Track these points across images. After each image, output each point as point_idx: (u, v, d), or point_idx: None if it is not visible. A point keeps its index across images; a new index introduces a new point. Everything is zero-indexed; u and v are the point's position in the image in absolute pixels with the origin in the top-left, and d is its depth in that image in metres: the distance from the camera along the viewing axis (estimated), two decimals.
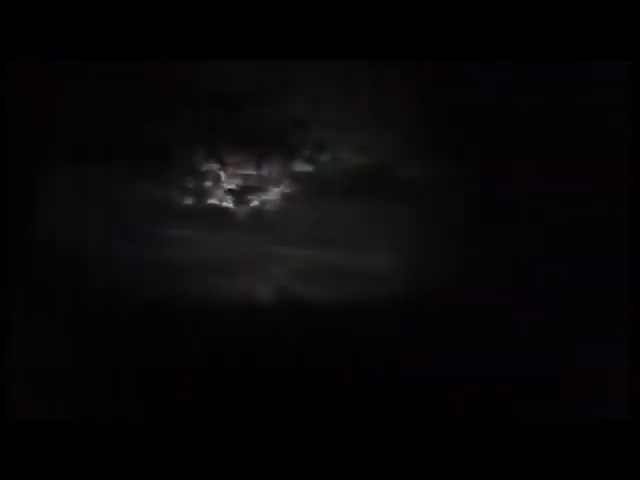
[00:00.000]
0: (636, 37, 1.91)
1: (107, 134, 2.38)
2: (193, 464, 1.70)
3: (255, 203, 2.51)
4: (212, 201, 2.50)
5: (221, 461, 1.71)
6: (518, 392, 2.04)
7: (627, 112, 2.00)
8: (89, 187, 2.39)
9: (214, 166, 2.49)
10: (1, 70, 1.93)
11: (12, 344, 1.87)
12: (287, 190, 2.52)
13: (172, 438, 1.75)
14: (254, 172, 2.52)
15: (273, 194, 2.52)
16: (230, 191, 2.51)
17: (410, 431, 1.81)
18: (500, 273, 2.24)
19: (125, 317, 2.20)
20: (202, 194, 2.48)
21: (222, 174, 2.50)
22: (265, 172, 2.51)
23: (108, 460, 1.65)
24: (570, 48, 1.98)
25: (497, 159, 2.36)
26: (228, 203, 2.51)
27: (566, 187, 2.25)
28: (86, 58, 2.05)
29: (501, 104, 2.31)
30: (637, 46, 1.92)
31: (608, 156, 2.20)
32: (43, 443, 1.66)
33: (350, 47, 2.04)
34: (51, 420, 1.77)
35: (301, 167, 2.51)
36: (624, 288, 1.95)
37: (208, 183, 2.49)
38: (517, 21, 1.97)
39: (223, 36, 1.99)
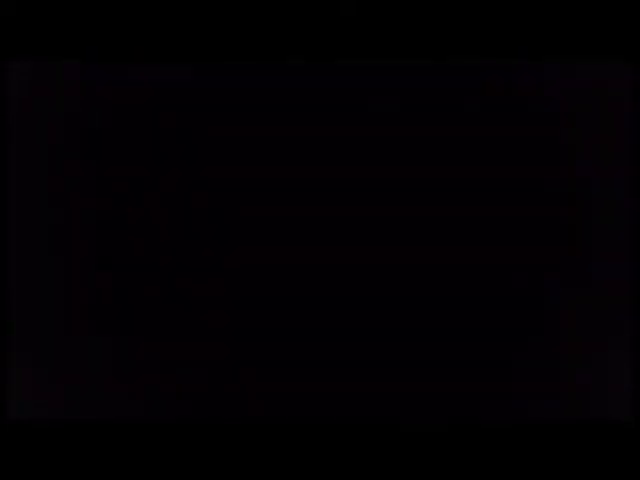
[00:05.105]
0: (636, 38, 1.91)
1: None
2: (193, 464, 1.69)
3: None
4: None
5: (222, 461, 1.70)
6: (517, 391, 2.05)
7: (627, 115, 2.00)
8: None
9: None
10: (1, 70, 1.93)
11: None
12: None
13: (172, 438, 1.74)
14: None
15: None
16: None
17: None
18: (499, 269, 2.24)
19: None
20: None
21: None
22: None
23: (107, 460, 1.65)
24: (569, 49, 1.99)
25: (496, 161, 2.36)
26: None
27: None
28: (89, 60, 2.04)
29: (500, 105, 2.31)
30: (637, 48, 1.92)
31: (608, 158, 2.20)
32: (41, 442, 1.65)
33: (350, 48, 2.04)
34: (50, 419, 1.76)
35: None
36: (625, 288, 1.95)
37: None
38: (518, 22, 1.98)
39: (221, 37, 1.99)
